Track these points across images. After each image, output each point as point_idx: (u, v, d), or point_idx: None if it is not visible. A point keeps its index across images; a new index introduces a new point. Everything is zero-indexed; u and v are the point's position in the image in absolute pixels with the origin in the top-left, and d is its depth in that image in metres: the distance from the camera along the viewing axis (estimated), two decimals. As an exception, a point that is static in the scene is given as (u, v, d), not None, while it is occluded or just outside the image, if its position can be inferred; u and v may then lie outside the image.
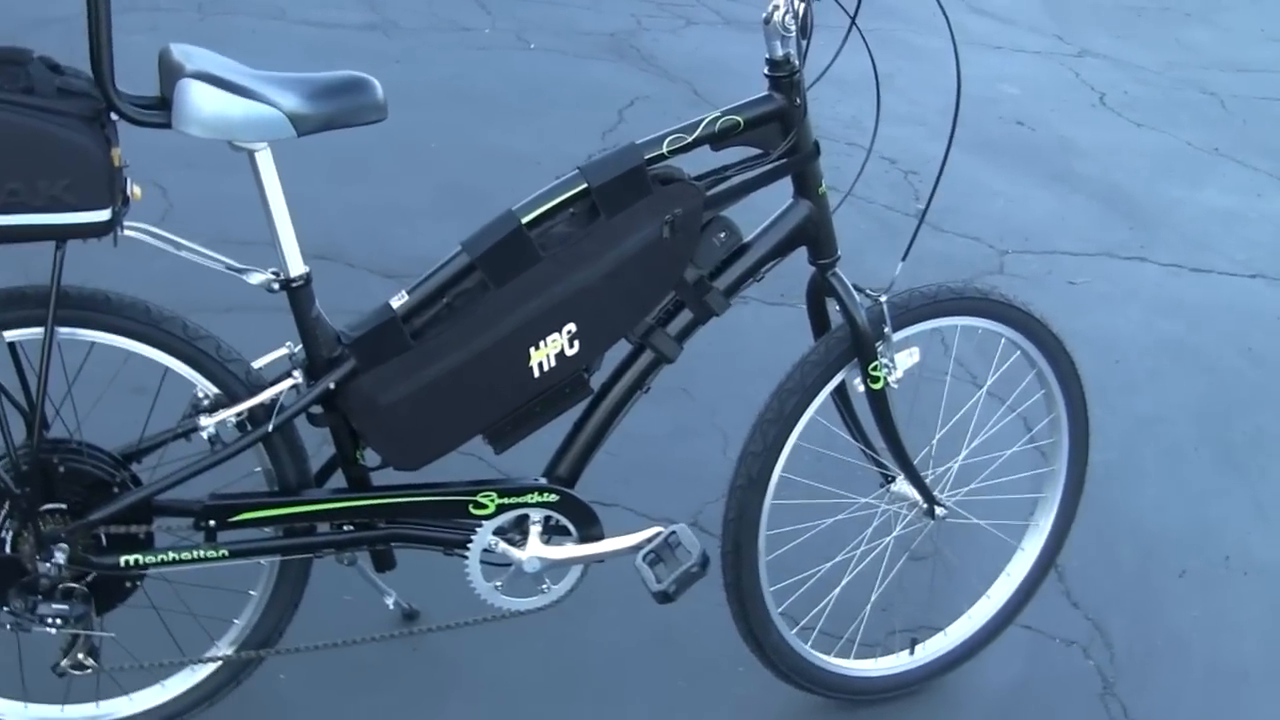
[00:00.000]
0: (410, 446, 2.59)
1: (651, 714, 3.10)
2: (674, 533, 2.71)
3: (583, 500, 2.71)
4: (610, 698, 3.12)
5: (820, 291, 2.77)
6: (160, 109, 2.30)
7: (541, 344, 2.54)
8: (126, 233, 2.40)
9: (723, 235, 2.61)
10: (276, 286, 2.47)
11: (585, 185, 2.51)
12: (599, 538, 2.75)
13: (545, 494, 2.67)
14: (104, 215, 2.26)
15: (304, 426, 2.59)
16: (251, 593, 2.74)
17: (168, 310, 2.50)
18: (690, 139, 2.53)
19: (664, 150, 2.52)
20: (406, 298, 2.52)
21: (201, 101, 2.25)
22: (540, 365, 2.55)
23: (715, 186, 2.58)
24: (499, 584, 2.74)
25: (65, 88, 2.25)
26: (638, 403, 2.72)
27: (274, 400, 2.51)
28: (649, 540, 2.73)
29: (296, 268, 2.46)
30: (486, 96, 6.03)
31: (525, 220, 2.49)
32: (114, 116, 2.28)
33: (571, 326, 2.54)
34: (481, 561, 2.72)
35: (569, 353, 2.56)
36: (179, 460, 2.55)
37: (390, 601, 3.00)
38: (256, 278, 2.47)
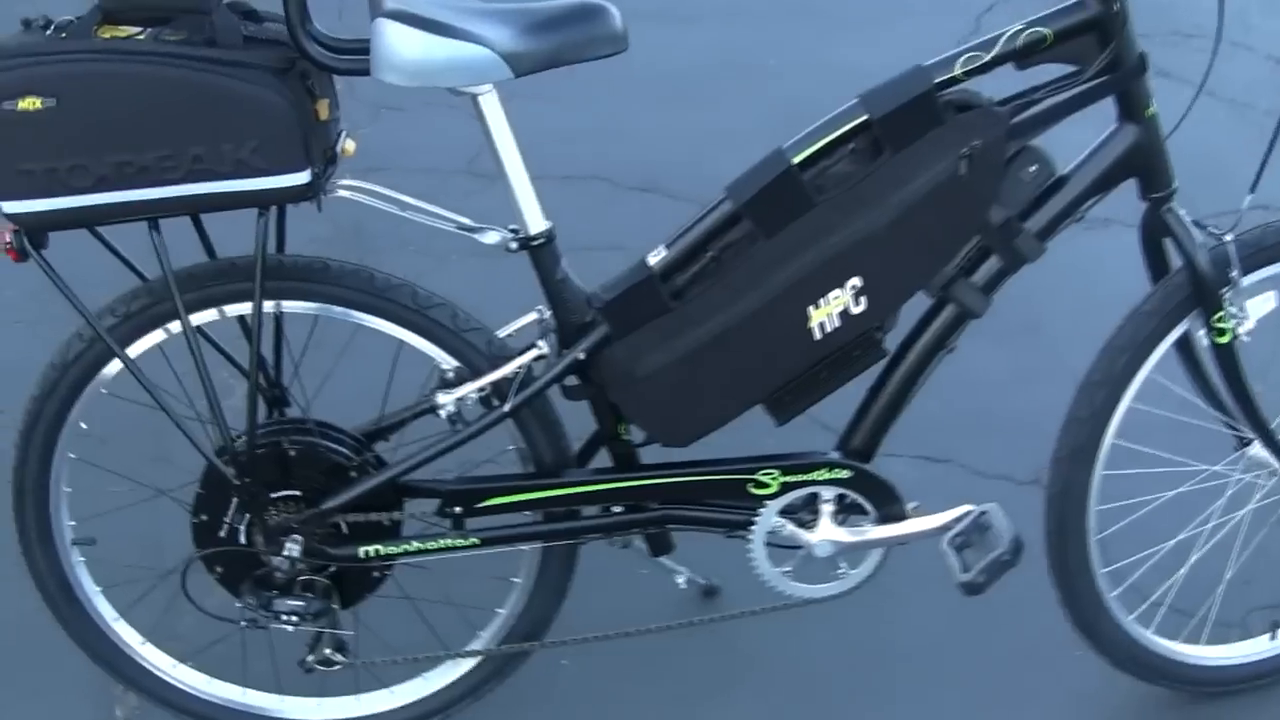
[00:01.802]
0: (676, 421, 2.27)
1: (971, 707, 2.74)
2: (985, 513, 2.34)
3: (881, 475, 2.36)
4: (924, 689, 2.77)
5: (1155, 230, 2.33)
6: (363, 54, 2.00)
7: (822, 302, 2.18)
8: (340, 193, 2.12)
9: (1033, 169, 2.20)
10: (515, 246, 2.17)
11: (866, 116, 2.14)
12: (900, 517, 2.39)
13: (837, 470, 2.32)
14: (301, 178, 2.01)
15: (563, 400, 2.33)
16: (515, 580, 2.47)
17: (396, 277, 2.22)
18: (988, 57, 2.12)
19: (957, 71, 2.12)
20: (664, 253, 2.20)
21: (399, 45, 1.96)
22: (822, 326, 2.19)
23: (1021, 112, 2.18)
24: (788, 569, 2.41)
25: (254, 36, 1.98)
26: (943, 361, 2.35)
27: (519, 373, 2.22)
28: (956, 521, 2.37)
29: (537, 224, 2.16)
30: (829, 6, 5.57)
31: (797, 160, 2.14)
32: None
33: (856, 281, 2.17)
34: (768, 544, 2.38)
35: (855, 311, 2.19)
36: (421, 440, 2.29)
37: (682, 580, 2.69)
38: (492, 237, 2.18)
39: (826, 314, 2.20)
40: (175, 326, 2.21)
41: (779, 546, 2.42)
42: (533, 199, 2.15)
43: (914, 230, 2.16)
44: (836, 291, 2.18)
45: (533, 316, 2.29)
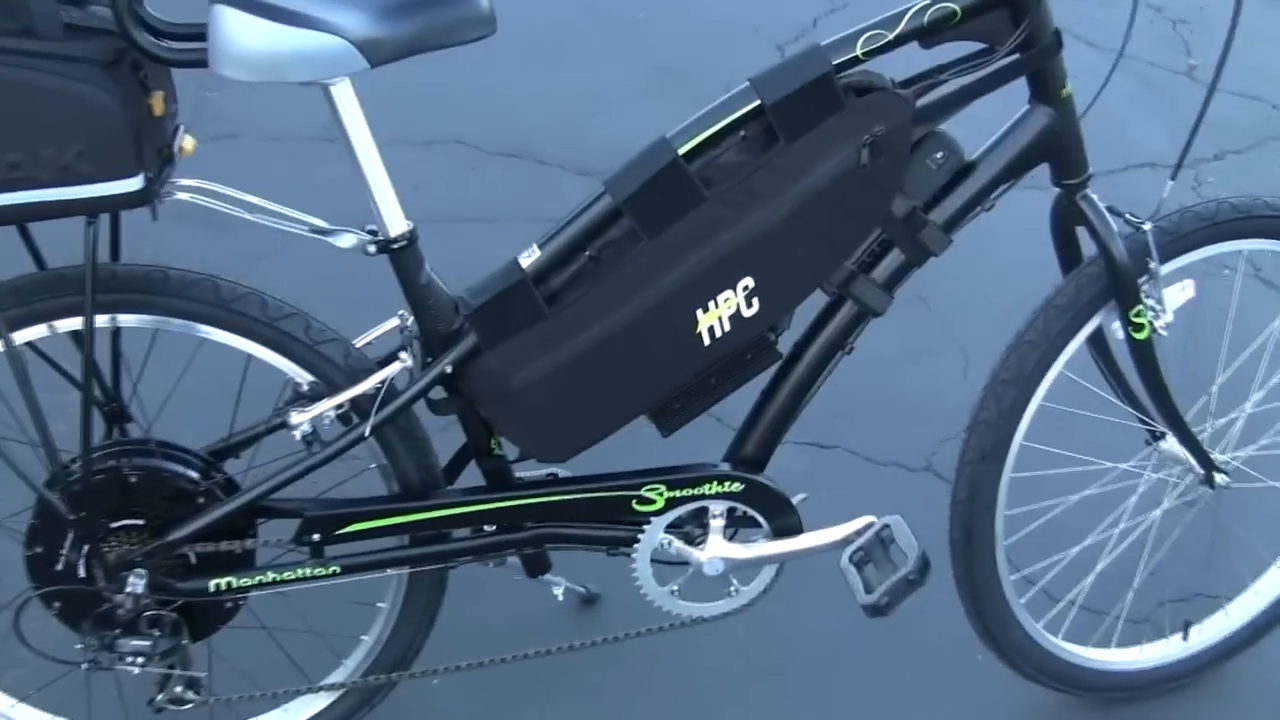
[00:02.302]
0: (553, 436, 2.08)
1: (872, 713, 2.59)
2: (887, 526, 2.18)
3: (774, 487, 2.19)
4: (822, 695, 2.63)
5: (1068, 218, 2.18)
6: (203, 40, 1.79)
7: (711, 305, 1.99)
8: (179, 196, 1.90)
9: (939, 156, 2.04)
10: (374, 249, 1.95)
11: (758, 102, 1.95)
12: (795, 530, 2.23)
13: (727, 482, 2.14)
14: (133, 184, 1.79)
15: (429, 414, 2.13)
16: (380, 605, 2.27)
17: (242, 286, 2.01)
18: (892, 35, 1.95)
19: (858, 52, 1.94)
20: (538, 254, 2.00)
21: (239, 35, 1.74)
22: (711, 331, 2.01)
23: (927, 94, 2.00)
24: (675, 588, 2.23)
25: (78, 24, 1.74)
26: (840, 363, 2.15)
27: (380, 388, 2.01)
28: (857, 534, 2.21)
29: (398, 224, 1.95)
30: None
31: (683, 150, 1.95)
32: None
33: (748, 281, 1.99)
34: (653, 561, 2.20)
35: (746, 313, 2.01)
36: (275, 460, 2.09)
37: (559, 591, 2.50)
38: (347, 240, 1.97)
39: (716, 318, 2.02)
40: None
41: (665, 563, 2.23)
42: (392, 198, 1.95)
43: (811, 225, 1.99)
44: (727, 293, 2.00)
45: (393, 323, 2.08)
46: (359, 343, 2.09)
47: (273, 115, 4.06)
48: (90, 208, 1.81)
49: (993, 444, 2.21)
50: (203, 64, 1.78)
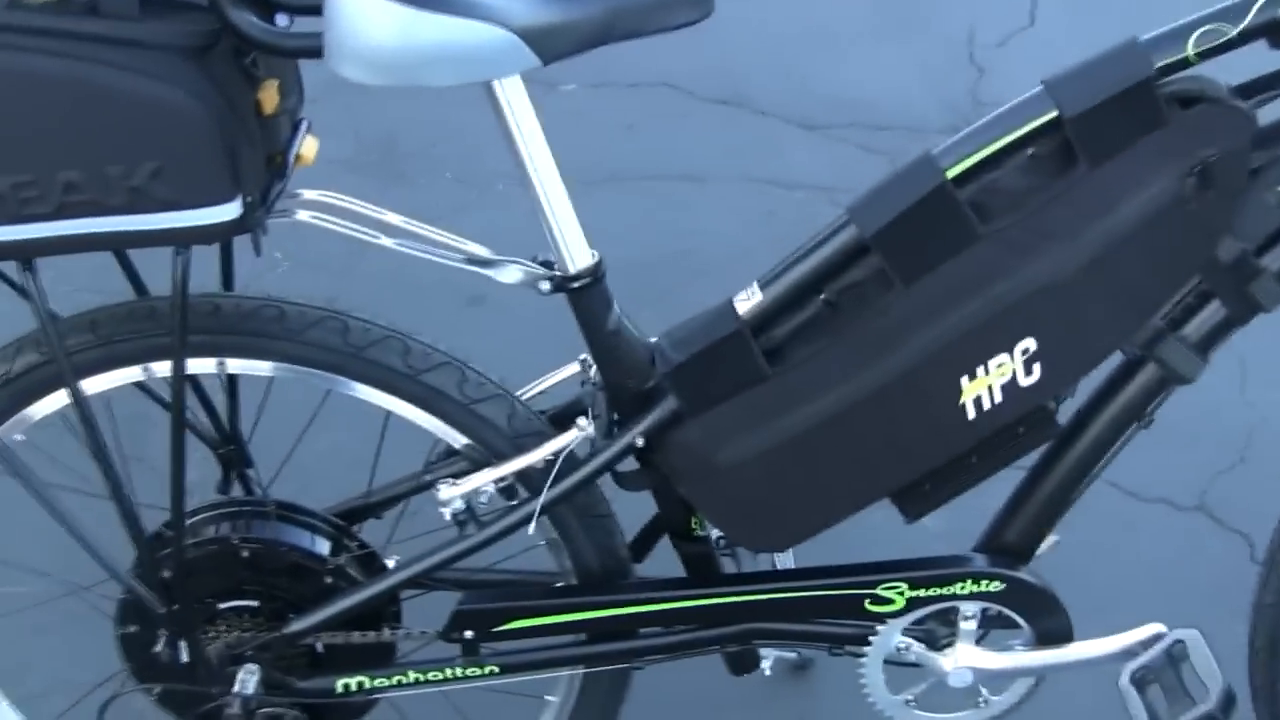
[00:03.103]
0: (770, 523, 1.66)
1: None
2: (1180, 642, 1.71)
3: (1040, 584, 1.75)
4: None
5: None
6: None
7: (980, 371, 1.54)
8: (299, 216, 1.48)
9: None
10: (548, 287, 1.52)
11: (1055, 113, 1.49)
12: (1064, 636, 1.78)
13: (985, 581, 1.71)
14: (227, 212, 1.35)
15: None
16: (549, 698, 1.86)
17: (380, 326, 1.59)
18: (1235, 31, 1.47)
19: (1189, 52, 1.47)
20: (759, 296, 1.56)
21: (363, 24, 1.29)
22: (978, 403, 1.56)
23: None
24: (912, 698, 1.78)
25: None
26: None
27: (554, 459, 1.58)
28: (1142, 646, 1.74)
29: (581, 257, 1.51)
30: None
31: (954, 173, 1.49)
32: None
33: (1029, 344, 1.53)
34: (887, 662, 1.75)
35: (1024, 383, 1.55)
36: (415, 538, 1.72)
37: (767, 665, 2.04)
38: (513, 274, 1.54)
39: (985, 387, 1.56)
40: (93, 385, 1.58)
41: (899, 664, 1.79)
42: (574, 223, 1.50)
43: (1114, 275, 1.53)
44: (1002, 358, 1.54)
45: (570, 371, 1.66)
46: (528, 392, 1.66)
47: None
48: (171, 239, 1.39)
49: None
50: (319, 54, 1.34)
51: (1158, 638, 1.74)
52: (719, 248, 2.96)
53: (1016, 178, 1.52)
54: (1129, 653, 1.76)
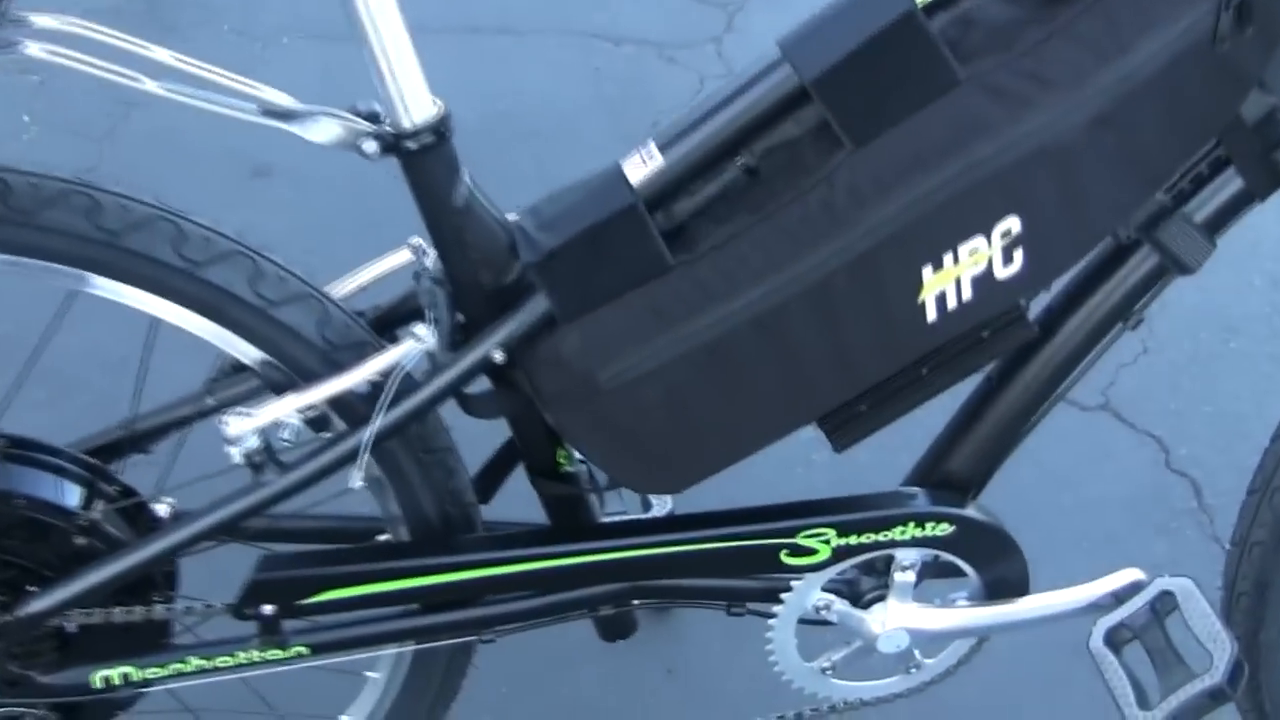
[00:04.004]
0: (666, 458, 1.27)
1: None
2: (1168, 594, 1.36)
3: (993, 523, 1.39)
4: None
5: None
6: None
7: (948, 260, 1.15)
8: (29, 52, 1.04)
9: None
10: (374, 148, 1.09)
11: (1062, -87, 1.08)
12: (1020, 587, 1.43)
13: (931, 524, 1.35)
14: None
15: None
16: (371, 675, 1.45)
17: (142, 204, 1.15)
18: None
19: None
20: (658, 160, 1.14)
21: None
22: (941, 301, 1.18)
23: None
24: (829, 665, 1.42)
25: None
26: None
27: (383, 380, 1.16)
28: (1114, 598, 1.39)
29: (420, 107, 1.08)
30: None
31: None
32: None
33: (1012, 224, 1.17)
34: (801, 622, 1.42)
35: (1001, 274, 1.19)
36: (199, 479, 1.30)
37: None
38: (328, 129, 1.11)
39: (953, 279, 1.18)
40: None
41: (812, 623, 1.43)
42: (411, 61, 1.09)
43: (1124, 133, 1.15)
44: (976, 242, 1.16)
45: (401, 259, 1.24)
46: (340, 291, 1.25)
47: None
48: None
49: None
50: None
51: (1136, 587, 1.40)
52: (541, 109, 2.58)
53: (1000, 6, 1.14)
54: (1099, 605, 1.42)
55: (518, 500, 1.39)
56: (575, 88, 2.70)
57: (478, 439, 1.38)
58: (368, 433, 1.20)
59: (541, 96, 2.66)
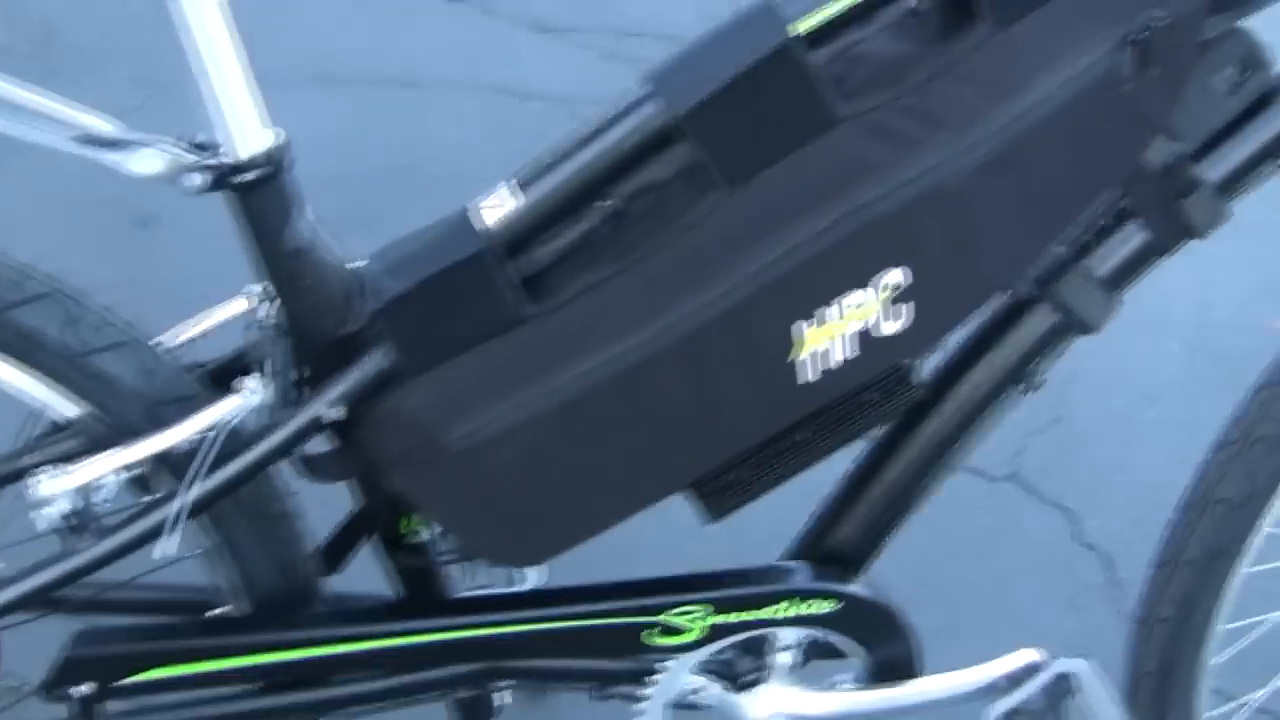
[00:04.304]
0: (522, 528, 1.17)
1: None
2: (1067, 676, 1.26)
3: (881, 600, 1.30)
4: None
5: None
6: None
7: (827, 315, 1.06)
8: None
9: (1232, 71, 1.16)
10: (201, 181, 0.99)
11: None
12: (906, 669, 1.33)
13: (813, 601, 1.26)
14: None
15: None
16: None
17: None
18: None
19: None
20: (512, 202, 1.04)
21: None
22: (818, 360, 1.08)
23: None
24: (702, 751, 1.33)
25: None
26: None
27: (207, 437, 1.05)
28: (1010, 681, 1.32)
29: (254, 137, 0.98)
30: None
31: (804, 27, 1.04)
32: None
33: (898, 276, 1.07)
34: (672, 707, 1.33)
35: (886, 330, 1.10)
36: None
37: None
38: (149, 162, 1.01)
39: (831, 336, 1.08)
40: None
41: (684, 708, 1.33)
42: (243, 88, 0.99)
43: (1019, 179, 1.07)
44: (858, 296, 1.06)
45: (237, 309, 1.13)
46: (173, 340, 1.15)
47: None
48: None
49: (1233, 532, 1.34)
50: None
51: (1033, 669, 1.31)
52: (442, 162, 2.50)
53: (892, 41, 1.07)
54: (994, 689, 1.32)
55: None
56: (479, 142, 2.63)
57: (337, 500, 1.27)
58: (178, 501, 1.09)
59: (445, 150, 2.59)
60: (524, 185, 1.08)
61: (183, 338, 1.18)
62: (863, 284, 1.08)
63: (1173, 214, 1.17)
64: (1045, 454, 2.13)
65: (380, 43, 2.92)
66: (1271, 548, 1.38)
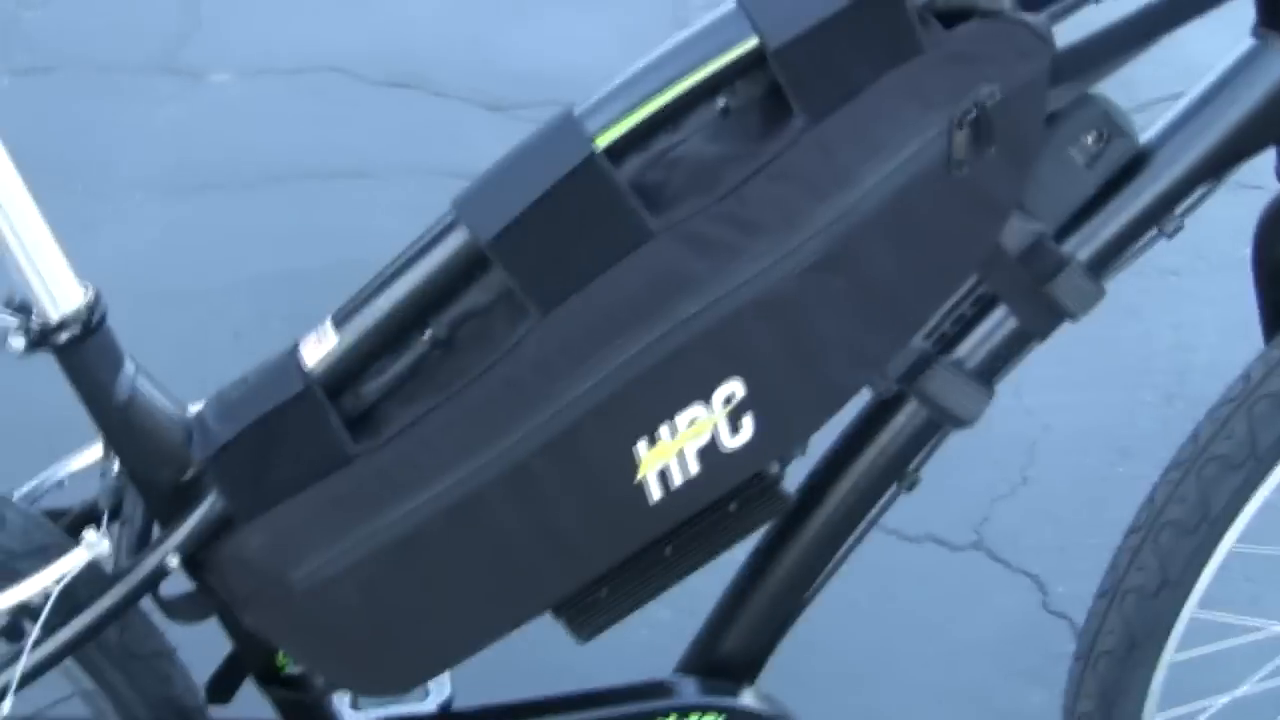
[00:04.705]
0: (378, 659, 1.15)
1: None
2: None
3: (772, 712, 1.28)
4: None
5: None
6: None
7: (664, 433, 1.05)
8: None
9: (1092, 140, 1.12)
10: (21, 344, 0.99)
11: (755, 42, 1.03)
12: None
13: (702, 715, 1.24)
14: None
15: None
16: None
17: None
18: None
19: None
20: (332, 340, 1.02)
21: None
22: (664, 478, 1.06)
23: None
24: None
25: None
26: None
27: (53, 589, 1.05)
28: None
29: (66, 296, 0.97)
30: None
31: (606, 141, 1.03)
32: None
33: (734, 388, 1.07)
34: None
35: (730, 445, 1.08)
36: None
37: None
38: (-36, 327, 1.00)
39: (673, 454, 1.06)
40: None
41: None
42: (52, 248, 0.99)
43: (856, 279, 1.05)
44: (695, 411, 1.04)
45: (87, 460, 1.13)
46: (25, 489, 1.14)
47: (103, 39, 3.09)
48: None
49: (1151, 621, 1.30)
50: None
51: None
52: (391, 252, 2.47)
53: (704, 143, 1.04)
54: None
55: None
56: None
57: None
58: (29, 649, 1.08)
59: (396, 239, 2.56)
60: (339, 323, 1.07)
61: (50, 483, 1.18)
62: (697, 399, 1.06)
63: (1040, 298, 1.14)
64: (1012, 518, 2.09)
65: (327, 134, 2.92)
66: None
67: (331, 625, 1.12)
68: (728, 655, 1.27)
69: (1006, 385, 2.10)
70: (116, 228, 2.49)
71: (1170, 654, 1.34)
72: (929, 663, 1.89)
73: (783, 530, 1.23)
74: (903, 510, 1.88)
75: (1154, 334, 2.31)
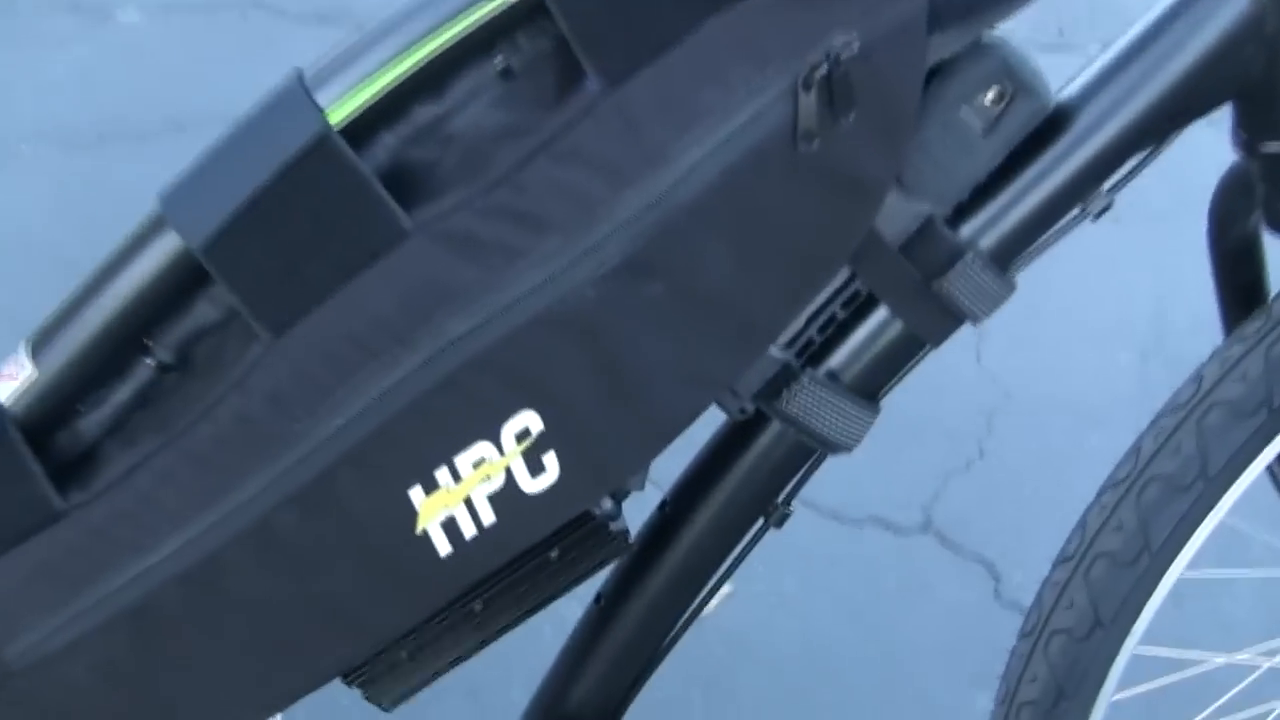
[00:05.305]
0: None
1: None
2: None
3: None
4: None
5: (1246, 204, 0.99)
6: None
7: (442, 477, 0.81)
8: None
9: (990, 98, 0.90)
10: None
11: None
12: None
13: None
14: None
15: None
16: None
17: None
18: None
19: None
20: (30, 369, 0.80)
21: None
22: (451, 528, 0.83)
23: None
24: None
25: None
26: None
27: None
28: None
29: None
30: None
31: (342, 112, 0.80)
32: None
33: (528, 421, 0.85)
34: None
35: (530, 487, 0.86)
36: None
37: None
38: None
39: (459, 501, 0.84)
40: None
41: None
42: None
43: (678, 279, 0.85)
44: (480, 450, 0.83)
45: None
46: None
47: None
48: None
49: (1081, 668, 1.10)
50: None
51: None
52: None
53: (475, 114, 0.81)
54: None
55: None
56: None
57: None
58: None
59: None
60: (36, 350, 0.85)
61: None
62: (481, 437, 0.85)
63: (930, 297, 0.92)
64: (965, 497, 1.90)
65: (245, 76, 2.69)
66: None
67: (64, 708, 0.91)
68: (579, 709, 1.06)
69: (962, 347, 1.91)
70: (3, 182, 2.31)
71: (1108, 697, 1.13)
72: (868, 665, 1.72)
73: (628, 572, 1.02)
74: (843, 489, 1.70)
75: (1132, 286, 2.10)
